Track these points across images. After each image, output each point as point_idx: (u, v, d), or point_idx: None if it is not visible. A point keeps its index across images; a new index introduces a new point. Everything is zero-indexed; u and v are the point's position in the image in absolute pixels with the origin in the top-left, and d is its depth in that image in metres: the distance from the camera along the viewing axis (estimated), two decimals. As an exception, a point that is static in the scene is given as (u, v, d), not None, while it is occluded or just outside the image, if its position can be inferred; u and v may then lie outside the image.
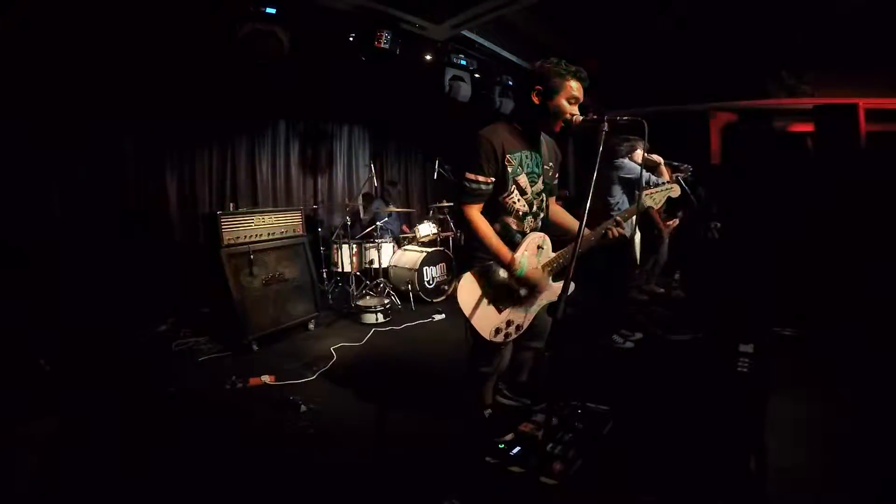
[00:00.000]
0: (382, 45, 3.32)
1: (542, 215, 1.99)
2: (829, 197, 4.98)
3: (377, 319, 4.19)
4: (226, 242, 3.43)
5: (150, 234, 4.49)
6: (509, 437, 2.09)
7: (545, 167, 1.94)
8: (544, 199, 1.99)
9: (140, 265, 4.37)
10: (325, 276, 5.17)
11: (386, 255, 5.06)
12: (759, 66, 5.50)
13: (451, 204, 5.71)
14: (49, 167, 3.84)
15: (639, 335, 3.57)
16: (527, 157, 1.86)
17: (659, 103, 5.95)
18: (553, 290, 1.92)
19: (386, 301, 4.38)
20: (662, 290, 4.94)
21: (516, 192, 1.85)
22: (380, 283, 4.84)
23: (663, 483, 1.77)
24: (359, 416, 2.46)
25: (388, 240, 5.21)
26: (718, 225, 3.75)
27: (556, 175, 2.05)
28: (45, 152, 3.81)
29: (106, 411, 2.55)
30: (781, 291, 4.23)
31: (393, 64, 3.60)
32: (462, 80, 4.17)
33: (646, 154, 3.26)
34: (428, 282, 4.83)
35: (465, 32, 3.91)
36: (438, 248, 5.10)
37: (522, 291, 1.86)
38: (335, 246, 5.08)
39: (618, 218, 1.90)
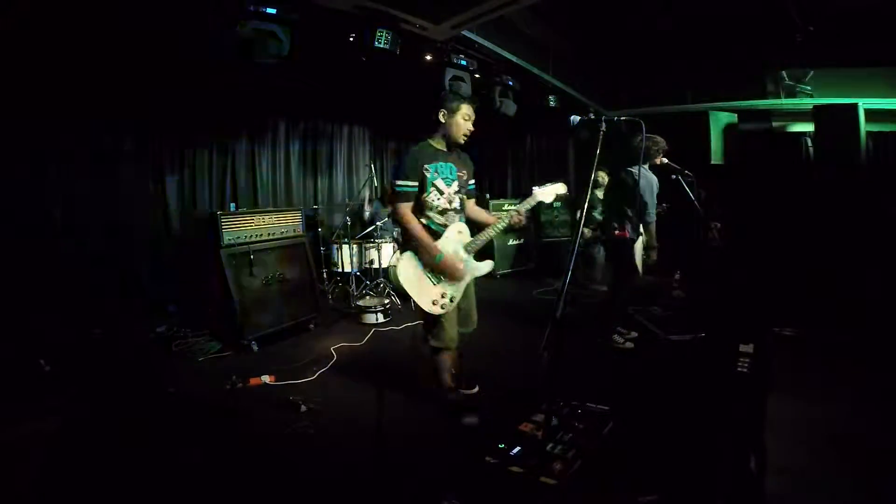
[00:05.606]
0: (382, 45, 3.32)
1: (460, 209, 2.43)
2: (828, 197, 4.98)
3: (377, 319, 4.19)
4: (226, 242, 3.43)
5: (151, 234, 4.49)
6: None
7: (459, 174, 2.40)
8: (461, 197, 2.42)
9: (140, 265, 4.37)
10: (325, 276, 5.16)
11: (386, 255, 5.06)
12: (759, 66, 5.50)
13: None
14: (49, 166, 3.84)
15: (636, 334, 3.57)
16: (442, 166, 2.35)
17: (659, 103, 5.95)
18: (476, 267, 2.40)
19: (386, 301, 4.37)
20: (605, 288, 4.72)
21: (435, 192, 2.31)
22: (380, 283, 4.84)
23: (663, 483, 1.77)
24: (359, 416, 2.46)
25: (388, 240, 5.21)
26: (718, 225, 3.74)
27: (470, 181, 2.49)
28: (44, 152, 3.81)
29: (106, 411, 2.55)
30: (781, 291, 4.23)
31: (393, 64, 3.59)
32: (462, 80, 4.17)
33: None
34: (428, 282, 4.82)
35: (465, 32, 3.91)
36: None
37: (443, 274, 2.29)
38: (335, 246, 5.08)
39: (519, 209, 2.34)
